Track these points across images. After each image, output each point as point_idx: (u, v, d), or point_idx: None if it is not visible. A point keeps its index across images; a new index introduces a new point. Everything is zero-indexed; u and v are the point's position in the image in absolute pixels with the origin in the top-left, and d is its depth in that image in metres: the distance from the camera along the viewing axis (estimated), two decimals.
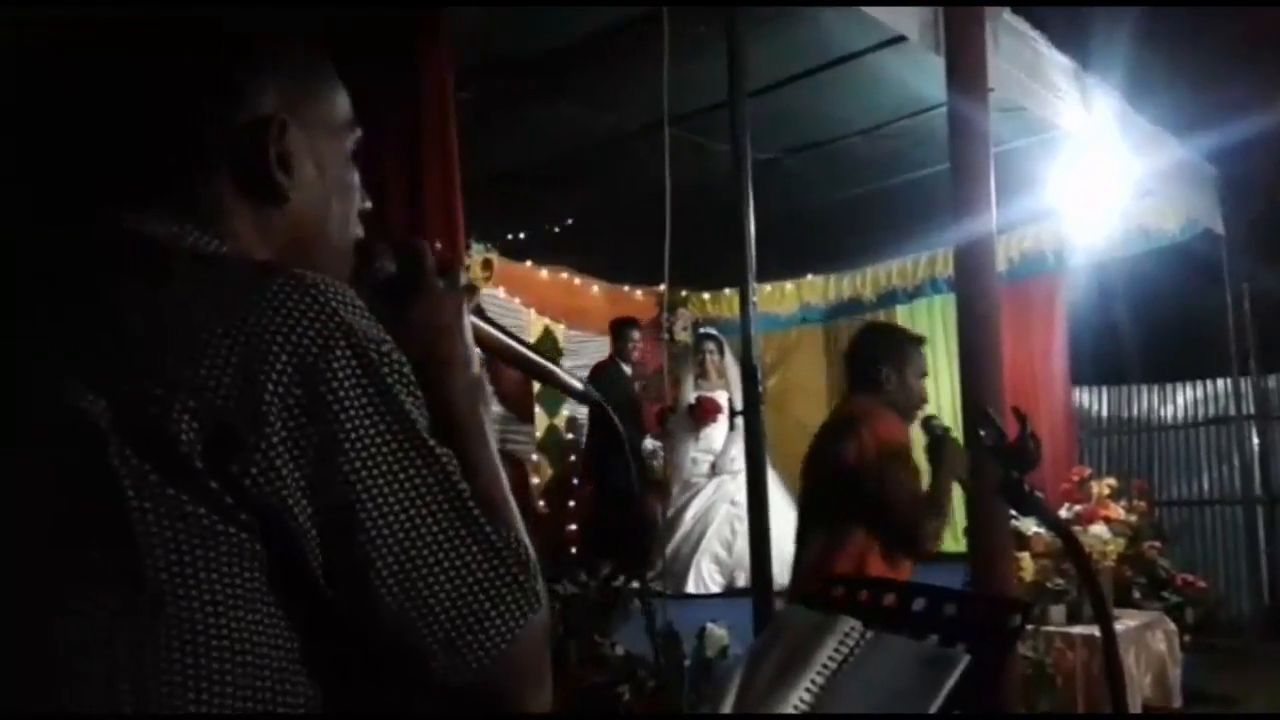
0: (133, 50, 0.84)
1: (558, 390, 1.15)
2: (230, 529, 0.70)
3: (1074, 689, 4.04)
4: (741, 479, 3.78)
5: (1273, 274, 6.31)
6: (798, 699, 1.23)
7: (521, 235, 6.61)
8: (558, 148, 5.09)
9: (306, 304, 0.72)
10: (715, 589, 6.15)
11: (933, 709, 1.12)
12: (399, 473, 0.73)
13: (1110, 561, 4.66)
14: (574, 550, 6.32)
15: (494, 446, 0.88)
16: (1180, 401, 7.31)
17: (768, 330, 7.27)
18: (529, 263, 7.08)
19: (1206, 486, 7.03)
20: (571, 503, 6.77)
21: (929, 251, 7.36)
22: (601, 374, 6.47)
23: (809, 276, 8.19)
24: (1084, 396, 7.50)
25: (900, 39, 3.87)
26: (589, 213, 6.15)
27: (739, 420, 3.38)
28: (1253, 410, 6.67)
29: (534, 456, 6.94)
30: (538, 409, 7.02)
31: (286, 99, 0.85)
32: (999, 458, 2.24)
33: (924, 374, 2.96)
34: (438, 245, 3.02)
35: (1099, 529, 4.77)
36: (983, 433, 2.28)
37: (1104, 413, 7.58)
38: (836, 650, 1.26)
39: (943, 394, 6.62)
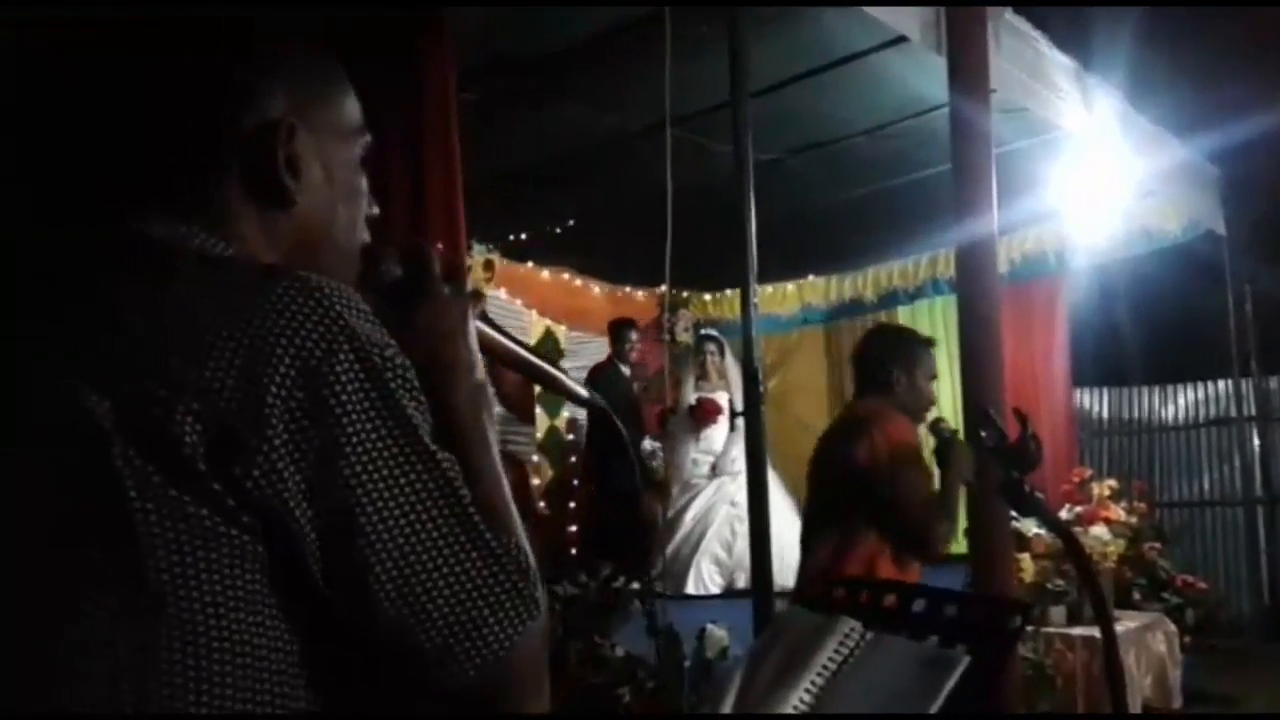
0: (145, 51, 0.84)
1: (562, 396, 1.15)
2: (232, 531, 0.70)
3: (1074, 690, 4.04)
4: (742, 480, 3.78)
5: (1275, 275, 6.31)
6: (798, 700, 1.23)
7: (523, 236, 6.62)
8: (559, 148, 5.09)
9: (311, 307, 0.72)
10: (715, 590, 6.15)
11: (933, 710, 1.12)
12: (399, 477, 0.73)
13: (1110, 563, 4.66)
14: (574, 551, 6.33)
15: (496, 453, 0.87)
16: (1181, 403, 7.32)
17: (769, 331, 7.26)
18: (530, 263, 7.08)
19: (1207, 487, 7.04)
20: (572, 504, 6.77)
21: (930, 252, 7.35)
22: (600, 375, 6.47)
23: (810, 277, 8.17)
24: (1085, 398, 7.50)
25: (902, 39, 3.87)
26: (590, 213, 6.15)
27: (739, 421, 3.38)
28: (1254, 411, 6.66)
29: (534, 457, 6.94)
30: (538, 410, 7.02)
31: (296, 102, 0.85)
32: (1000, 459, 2.24)
33: (934, 376, 2.93)
34: (439, 246, 3.02)
35: (1099, 530, 4.77)
36: (984, 434, 2.28)
37: (1105, 414, 7.58)
38: (836, 651, 1.26)
39: (944, 395, 6.59)
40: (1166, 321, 7.06)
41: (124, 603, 0.68)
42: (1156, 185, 5.78)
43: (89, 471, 0.69)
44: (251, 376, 0.69)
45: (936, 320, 7.22)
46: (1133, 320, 7.51)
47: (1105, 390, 7.57)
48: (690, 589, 6.12)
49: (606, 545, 5.04)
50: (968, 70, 3.54)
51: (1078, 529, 4.59)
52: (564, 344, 7.48)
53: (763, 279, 3.41)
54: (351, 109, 0.91)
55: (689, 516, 6.41)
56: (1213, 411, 7.10)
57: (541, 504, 6.73)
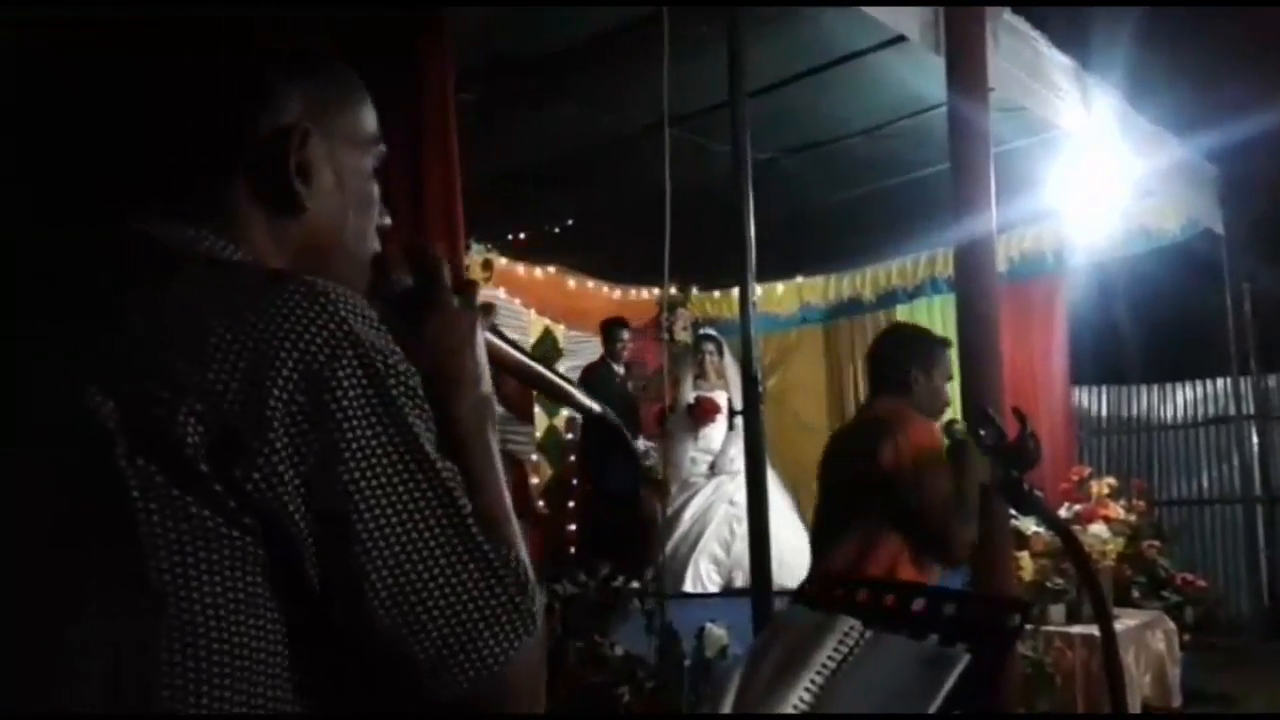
0: (160, 53, 0.84)
1: (573, 409, 1.15)
2: (233, 532, 0.70)
3: (1073, 688, 4.04)
4: (740, 479, 3.79)
5: (1273, 274, 6.32)
6: (797, 699, 1.23)
7: (522, 235, 6.61)
8: (558, 148, 5.09)
9: (316, 312, 0.72)
10: (713, 588, 6.15)
11: (932, 709, 1.13)
12: (398, 485, 0.73)
13: (1110, 561, 4.66)
14: (573, 550, 6.33)
15: (499, 465, 0.87)
16: (1180, 401, 7.32)
17: (767, 330, 7.27)
18: (529, 263, 7.08)
19: (1206, 486, 7.05)
20: (571, 503, 6.77)
21: (929, 251, 7.35)
22: (593, 375, 6.47)
23: (809, 277, 8.17)
24: (1084, 396, 7.50)
25: (901, 39, 3.88)
26: (589, 213, 6.15)
27: (738, 420, 3.38)
28: (1252, 410, 6.67)
29: (533, 457, 6.95)
30: (537, 409, 7.02)
31: (311, 108, 0.85)
32: (999, 457, 2.25)
33: (950, 377, 2.88)
34: (439, 245, 3.02)
35: (1098, 528, 4.78)
36: (983, 432, 2.28)
37: (1104, 412, 7.59)
38: (836, 650, 1.26)
39: None
40: (1165, 320, 7.06)
41: (125, 603, 0.68)
42: (1155, 184, 5.79)
43: (91, 471, 0.69)
44: (255, 379, 0.69)
45: (935, 319, 7.22)
46: (1131, 319, 7.51)
47: (1104, 389, 7.57)
48: (688, 587, 6.12)
49: (605, 544, 5.04)
50: (966, 69, 3.55)
51: (1077, 527, 4.59)
52: (562, 343, 7.48)
53: (761, 278, 3.41)
54: (368, 118, 0.91)
55: (687, 515, 6.40)
56: (1211, 410, 7.11)
57: (540, 503, 6.73)
